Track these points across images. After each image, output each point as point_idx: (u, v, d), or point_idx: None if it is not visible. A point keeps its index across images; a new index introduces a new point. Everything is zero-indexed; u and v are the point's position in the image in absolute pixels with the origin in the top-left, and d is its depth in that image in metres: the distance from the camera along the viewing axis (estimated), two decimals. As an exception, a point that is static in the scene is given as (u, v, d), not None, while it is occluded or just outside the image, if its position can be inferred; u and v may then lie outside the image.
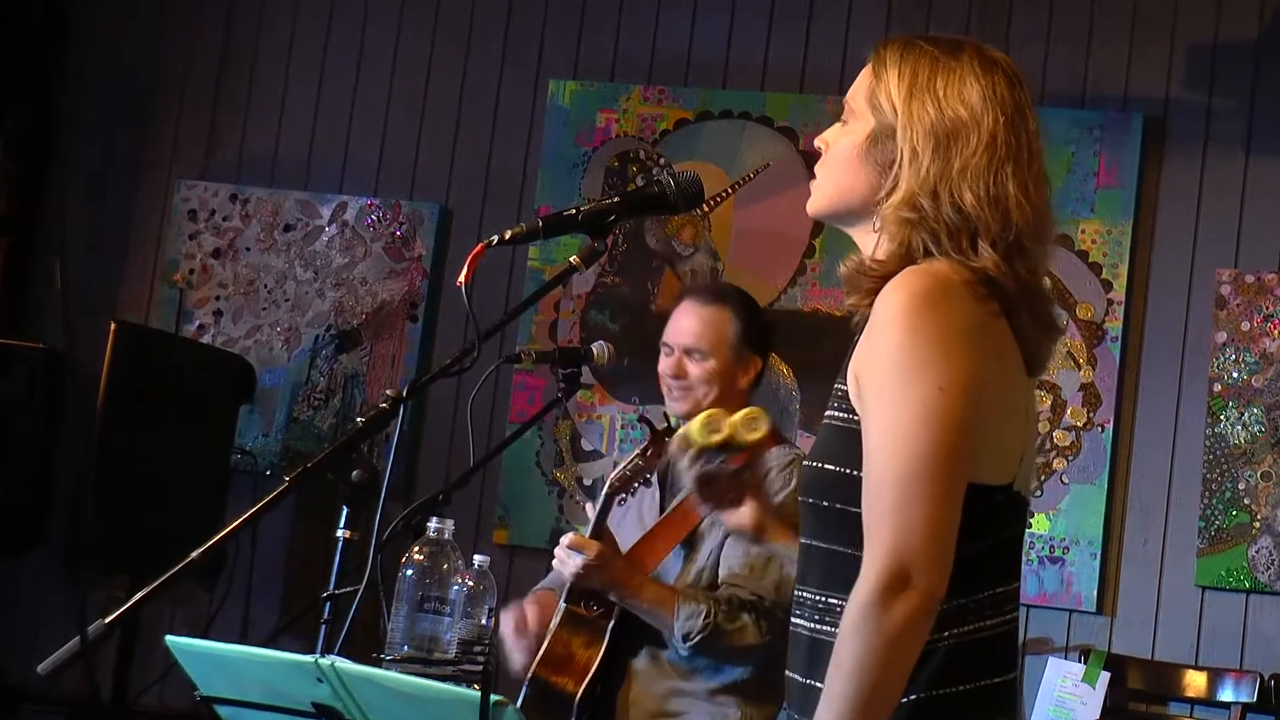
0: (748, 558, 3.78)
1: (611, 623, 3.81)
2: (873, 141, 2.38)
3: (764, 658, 3.79)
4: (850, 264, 2.38)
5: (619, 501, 3.90)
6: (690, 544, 3.89)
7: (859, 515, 2.24)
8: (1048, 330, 2.38)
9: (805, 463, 2.40)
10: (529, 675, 3.81)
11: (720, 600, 3.75)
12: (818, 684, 2.25)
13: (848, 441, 2.28)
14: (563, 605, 3.84)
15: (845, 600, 2.22)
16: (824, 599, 2.32)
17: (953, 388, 2.20)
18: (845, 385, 2.32)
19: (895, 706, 2.20)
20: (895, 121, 2.36)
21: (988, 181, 2.32)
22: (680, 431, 2.62)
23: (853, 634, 2.17)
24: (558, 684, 3.80)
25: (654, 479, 4.01)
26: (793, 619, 2.40)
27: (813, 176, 2.53)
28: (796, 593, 2.40)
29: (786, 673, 2.41)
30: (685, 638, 3.73)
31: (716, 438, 2.58)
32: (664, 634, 3.80)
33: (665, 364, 4.01)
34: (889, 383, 2.22)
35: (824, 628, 2.30)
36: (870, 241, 2.41)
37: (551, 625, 3.85)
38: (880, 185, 2.37)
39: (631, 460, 3.88)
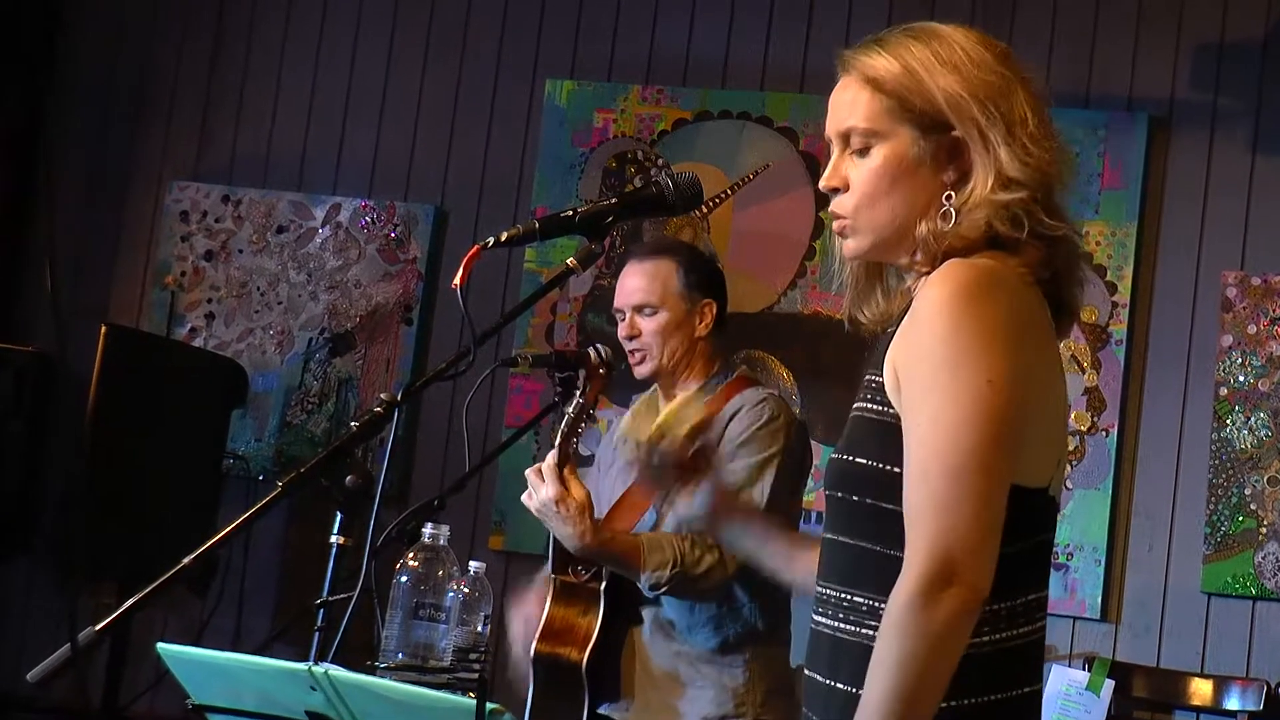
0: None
1: (603, 585, 3.83)
2: (919, 147, 2.32)
3: (761, 614, 3.82)
4: (923, 237, 2.32)
5: (572, 448, 3.86)
6: (667, 499, 3.89)
7: (895, 512, 2.21)
8: (1082, 289, 2.38)
9: (833, 456, 2.35)
10: (533, 655, 3.82)
11: (682, 543, 3.77)
12: (840, 685, 2.25)
13: (883, 436, 2.25)
14: (552, 577, 3.85)
15: (872, 599, 2.21)
16: (850, 597, 2.29)
17: (1001, 381, 2.18)
18: (880, 377, 2.29)
19: (937, 705, 2.16)
20: (938, 112, 2.31)
21: (1039, 129, 2.31)
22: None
23: (896, 631, 2.14)
24: (563, 655, 3.81)
25: (628, 439, 4.03)
26: (814, 616, 2.37)
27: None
28: (818, 589, 2.36)
29: (806, 671, 2.38)
30: (653, 588, 3.76)
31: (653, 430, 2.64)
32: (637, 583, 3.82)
33: (621, 330, 4.03)
34: (935, 375, 2.19)
35: (848, 626, 2.28)
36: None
37: (545, 600, 3.86)
38: (940, 185, 2.32)
39: (574, 403, 3.84)
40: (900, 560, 2.18)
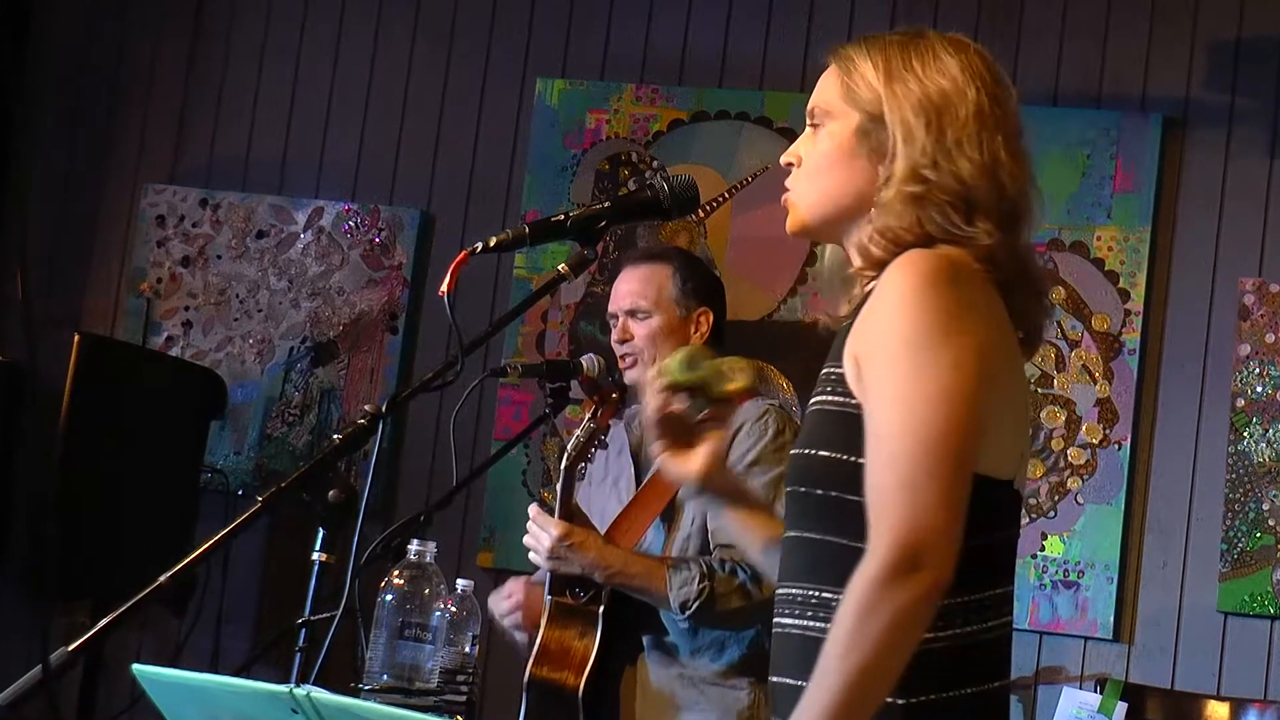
0: None
1: (602, 608, 3.82)
2: (860, 134, 2.43)
3: (768, 635, 3.81)
4: (864, 235, 2.42)
5: (580, 474, 3.89)
6: (669, 515, 3.90)
7: (858, 504, 2.24)
8: (1044, 308, 2.47)
9: (794, 450, 2.41)
10: (526, 679, 3.83)
11: (711, 563, 3.76)
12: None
13: (846, 427, 2.30)
14: (548, 598, 3.85)
15: (838, 593, 2.21)
16: (817, 593, 2.34)
17: (967, 365, 2.23)
18: (840, 369, 2.34)
19: (884, 697, 2.19)
20: (881, 106, 2.42)
21: (981, 149, 2.39)
22: (659, 363, 2.60)
23: (857, 613, 2.15)
24: (558, 680, 3.81)
25: (624, 451, 4.03)
26: (777, 620, 2.42)
27: None
28: (781, 590, 2.41)
29: (773, 679, 2.42)
30: (682, 607, 3.74)
31: (690, 375, 2.52)
32: (659, 608, 3.81)
33: (613, 335, 4.05)
34: (900, 358, 2.24)
35: (816, 624, 2.32)
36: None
37: (540, 623, 3.86)
38: (875, 178, 2.42)
39: (583, 426, 3.87)
40: (862, 552, 2.20)
